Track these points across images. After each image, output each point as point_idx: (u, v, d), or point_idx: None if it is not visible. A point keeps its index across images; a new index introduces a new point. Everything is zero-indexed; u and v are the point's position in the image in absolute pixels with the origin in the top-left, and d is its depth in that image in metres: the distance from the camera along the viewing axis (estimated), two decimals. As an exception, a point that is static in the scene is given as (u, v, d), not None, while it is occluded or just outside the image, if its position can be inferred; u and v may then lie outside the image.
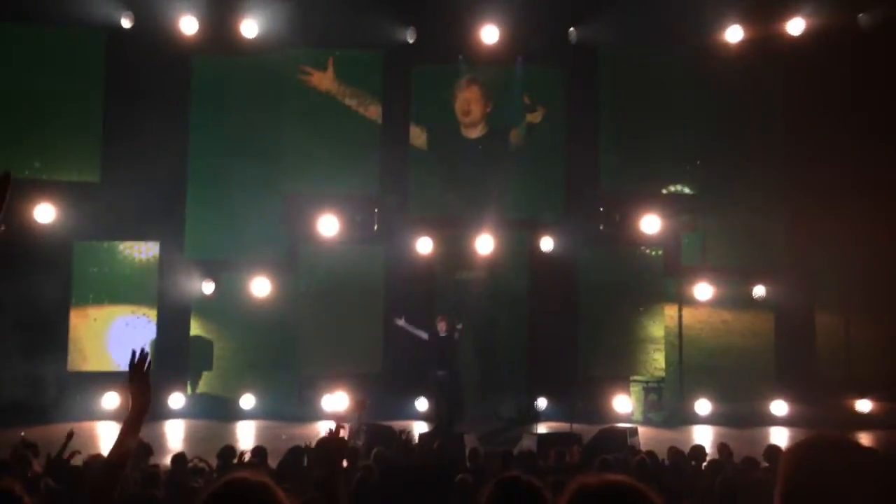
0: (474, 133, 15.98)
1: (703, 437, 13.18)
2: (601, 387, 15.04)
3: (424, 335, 13.48)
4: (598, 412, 14.50)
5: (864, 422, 14.03)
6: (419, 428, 13.40)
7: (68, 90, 14.86)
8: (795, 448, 2.04)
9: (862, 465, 1.96)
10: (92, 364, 14.60)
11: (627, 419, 14.35)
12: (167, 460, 8.58)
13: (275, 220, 15.37)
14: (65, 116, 14.89)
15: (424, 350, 13.59)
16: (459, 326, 13.56)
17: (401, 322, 13.72)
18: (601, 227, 15.44)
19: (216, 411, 14.55)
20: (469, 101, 15.88)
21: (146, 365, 2.92)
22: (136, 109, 14.42)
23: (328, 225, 15.10)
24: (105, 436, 12.65)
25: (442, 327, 13.35)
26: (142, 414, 2.82)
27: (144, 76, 14.65)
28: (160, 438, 12.34)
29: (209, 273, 15.09)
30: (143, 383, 2.86)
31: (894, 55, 14.14)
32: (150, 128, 14.23)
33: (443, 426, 12.88)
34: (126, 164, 14.19)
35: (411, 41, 15.55)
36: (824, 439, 2.07)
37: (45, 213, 14.27)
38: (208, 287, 15.04)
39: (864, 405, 14.54)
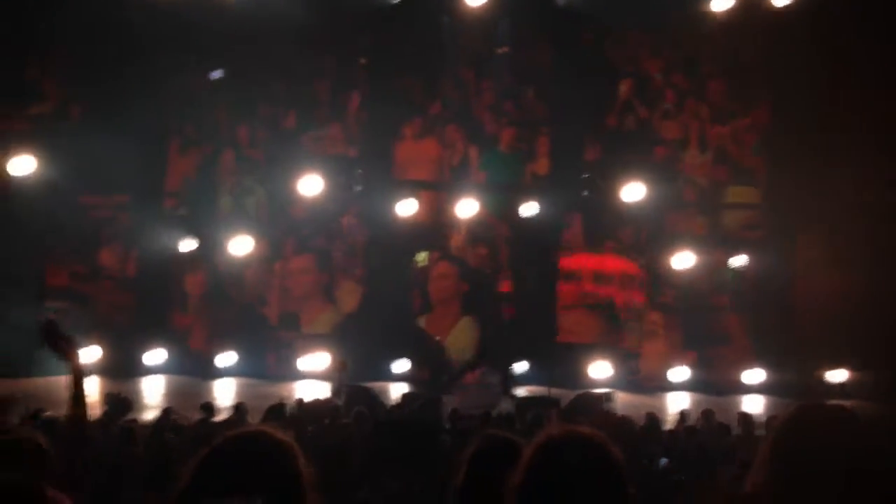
0: None
1: (680, 403, 13.34)
2: (579, 353, 15.16)
3: None
4: (576, 377, 14.63)
5: (836, 392, 14.24)
6: (400, 389, 13.47)
7: None
8: (791, 415, 2.10)
9: (854, 433, 2.02)
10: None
11: (605, 384, 14.49)
12: (145, 416, 8.61)
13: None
14: None
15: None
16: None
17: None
18: (585, 194, 15.46)
19: (194, 368, 14.54)
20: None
21: (55, 330, 2.97)
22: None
23: (310, 185, 15.02)
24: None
25: None
26: (77, 374, 2.86)
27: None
28: (138, 395, 12.34)
29: (190, 230, 15.02)
30: (63, 347, 2.90)
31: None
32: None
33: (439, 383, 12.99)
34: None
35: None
36: (819, 408, 2.12)
37: None
38: (189, 244, 14.98)
39: (837, 375, 14.73)
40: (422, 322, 15.68)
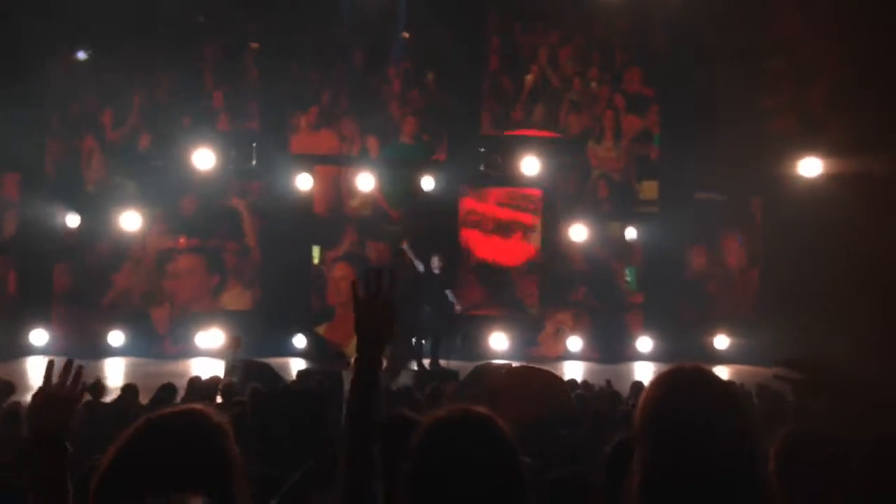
0: None
1: (574, 372, 13.67)
2: (479, 324, 15.33)
3: (421, 267, 13.14)
4: (476, 350, 14.80)
5: (720, 357, 14.90)
6: (296, 365, 13.33)
7: None
8: (657, 380, 2.11)
9: (717, 393, 2.05)
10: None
11: (504, 356, 14.70)
12: (29, 398, 8.20)
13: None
14: None
15: (412, 284, 13.21)
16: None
17: (405, 246, 13.45)
18: (482, 168, 15.55)
19: (82, 349, 13.99)
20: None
21: None
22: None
23: (204, 159, 14.57)
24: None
25: (437, 264, 13.06)
26: None
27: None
28: (22, 377, 11.79)
29: (73, 207, 14.46)
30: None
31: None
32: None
33: (429, 363, 12.82)
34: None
35: None
36: (684, 372, 2.14)
37: None
38: (73, 220, 14.43)
39: (720, 341, 15.38)
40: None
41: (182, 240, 15.08)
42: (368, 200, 15.61)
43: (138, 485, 1.61)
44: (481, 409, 1.96)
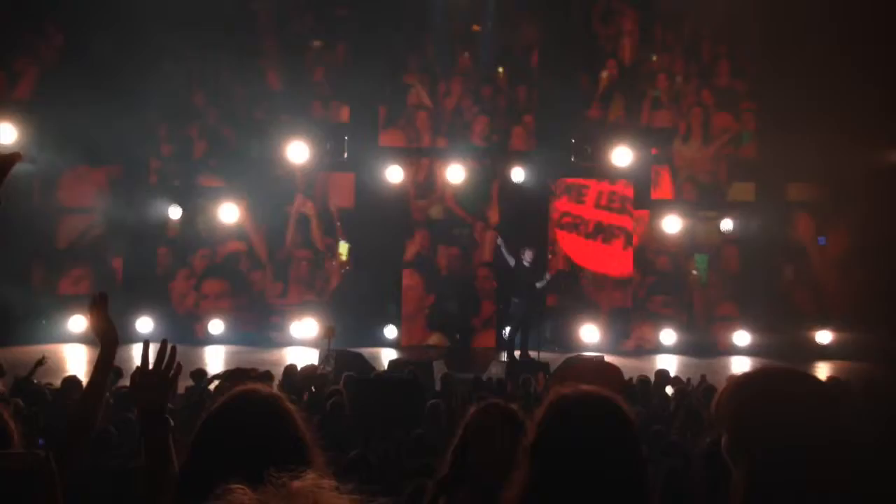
0: None
1: (669, 366, 13.41)
2: (569, 316, 15.21)
3: (512, 261, 13.31)
4: (566, 341, 14.71)
5: (825, 353, 14.40)
6: (388, 355, 13.50)
7: None
8: (738, 381, 2.06)
9: (806, 393, 1.98)
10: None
11: (595, 348, 14.56)
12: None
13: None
14: None
15: (505, 277, 13.52)
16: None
17: (499, 241, 13.67)
18: (573, 159, 15.38)
19: (184, 335, 14.50)
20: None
21: (104, 305, 2.79)
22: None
23: (298, 151, 14.87)
24: (72, 358, 12.59)
25: (528, 258, 13.22)
26: (111, 351, 2.74)
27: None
28: (128, 362, 12.28)
29: (176, 198, 14.95)
30: (105, 322, 2.75)
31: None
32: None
33: (520, 354, 12.96)
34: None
35: None
36: (768, 371, 2.09)
37: None
38: (175, 212, 14.93)
39: (824, 336, 14.86)
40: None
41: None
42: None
43: (221, 462, 1.69)
44: (609, 392, 1.99)
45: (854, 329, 14.26)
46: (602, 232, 15.58)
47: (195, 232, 15.17)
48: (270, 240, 15.38)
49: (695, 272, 15.59)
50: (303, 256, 15.44)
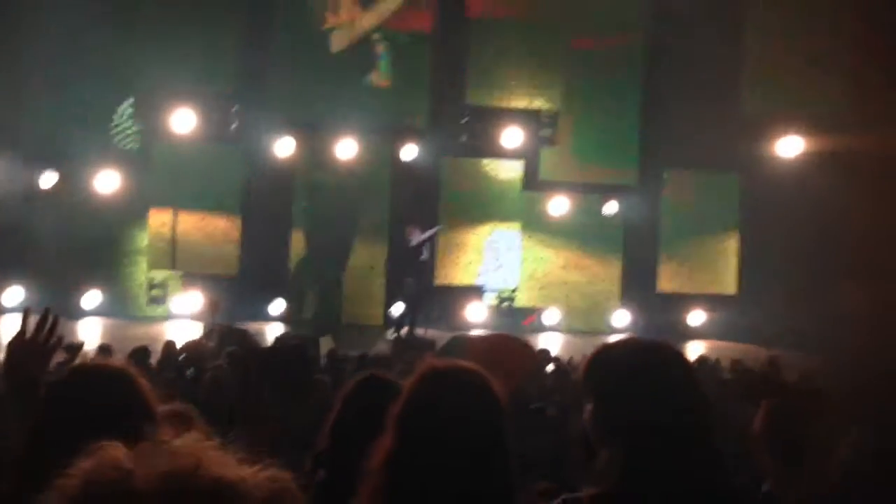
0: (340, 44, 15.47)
1: (551, 345, 13.76)
2: (456, 295, 15.38)
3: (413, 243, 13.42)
4: (452, 320, 14.87)
5: (694, 333, 15.09)
6: (275, 330, 13.34)
7: None
8: (600, 350, 2.18)
9: (664, 361, 2.10)
10: None
11: (481, 327, 14.78)
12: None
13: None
14: None
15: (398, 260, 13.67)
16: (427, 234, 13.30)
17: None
18: (464, 139, 15.50)
19: (58, 308, 13.85)
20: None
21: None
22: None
23: (182, 121, 14.40)
24: None
25: (413, 235, 13.15)
26: None
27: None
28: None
29: (51, 166, 14.24)
30: None
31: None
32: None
33: (406, 332, 12.89)
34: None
35: None
36: (625, 342, 2.21)
37: None
38: (48, 180, 14.21)
39: (695, 317, 15.54)
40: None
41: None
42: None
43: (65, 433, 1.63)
44: (478, 367, 2.04)
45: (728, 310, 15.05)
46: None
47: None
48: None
49: None
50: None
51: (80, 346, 8.41)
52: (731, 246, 15.88)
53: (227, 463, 1.08)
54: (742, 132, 14.60)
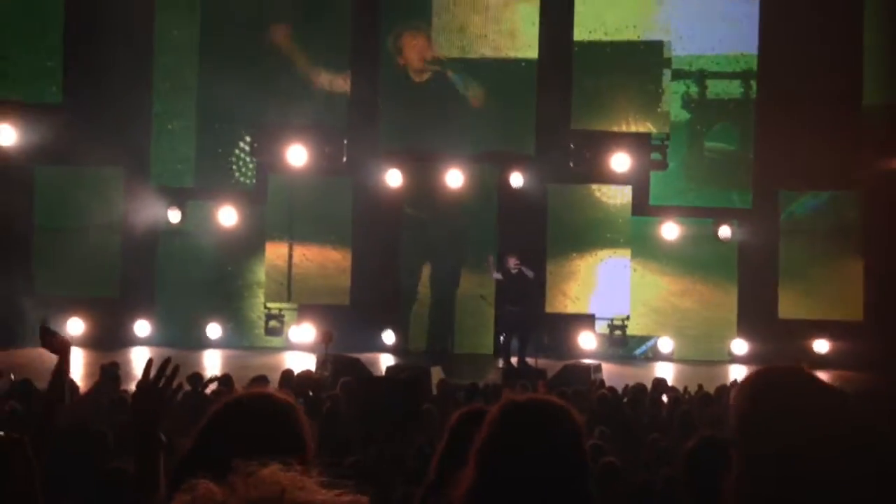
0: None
1: (665, 374, 13.42)
2: (567, 323, 15.22)
3: (498, 276, 13.54)
4: (563, 348, 14.70)
5: (821, 362, 14.37)
6: (386, 360, 13.51)
7: (28, 7, 14.42)
8: (751, 378, 2.04)
9: (817, 394, 1.96)
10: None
11: (592, 355, 14.55)
12: (133, 387, 8.55)
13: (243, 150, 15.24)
14: (25, 35, 14.44)
15: (502, 288, 13.86)
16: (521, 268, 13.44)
17: (487, 264, 13.93)
18: (571, 165, 15.40)
19: (182, 339, 14.50)
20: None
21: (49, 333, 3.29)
22: (99, 29, 14.06)
23: (296, 155, 14.88)
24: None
25: (511, 264, 13.32)
26: (64, 360, 3.23)
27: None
28: (126, 365, 12.28)
29: (175, 201, 14.92)
30: (55, 342, 3.23)
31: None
32: (112, 49, 13.90)
33: (517, 361, 12.97)
34: (88, 85, 13.87)
35: None
36: (779, 370, 2.06)
37: (5, 134, 13.86)
38: (174, 215, 14.88)
39: (821, 345, 14.84)
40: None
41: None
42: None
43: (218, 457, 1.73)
44: (558, 399, 2.08)
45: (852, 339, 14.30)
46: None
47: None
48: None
49: None
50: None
51: (228, 378, 8.66)
52: (855, 269, 15.13)
53: (310, 488, 1.16)
54: (862, 149, 13.99)
